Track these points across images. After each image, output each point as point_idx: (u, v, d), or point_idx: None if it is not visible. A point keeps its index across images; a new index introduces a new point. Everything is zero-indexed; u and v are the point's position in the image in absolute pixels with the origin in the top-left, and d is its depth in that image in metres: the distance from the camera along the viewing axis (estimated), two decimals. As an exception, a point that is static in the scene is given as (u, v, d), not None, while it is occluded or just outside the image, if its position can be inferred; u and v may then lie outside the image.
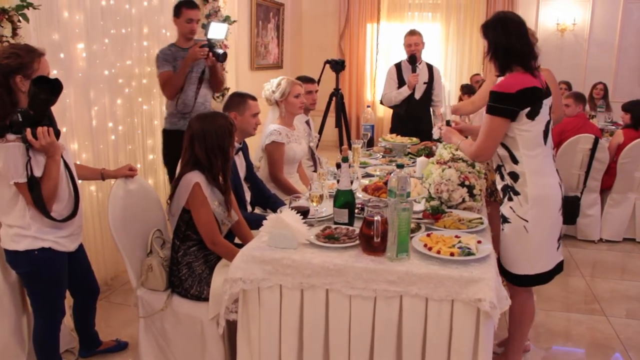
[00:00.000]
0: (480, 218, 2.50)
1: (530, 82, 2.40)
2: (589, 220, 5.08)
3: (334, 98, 5.49)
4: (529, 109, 2.38)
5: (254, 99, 3.18)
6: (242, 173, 3.20)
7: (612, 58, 8.39)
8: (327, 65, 5.37)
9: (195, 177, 2.48)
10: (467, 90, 6.67)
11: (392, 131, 4.91)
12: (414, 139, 4.26)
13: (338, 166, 3.31)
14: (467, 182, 2.68)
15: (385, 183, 2.61)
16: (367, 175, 3.43)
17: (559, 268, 2.67)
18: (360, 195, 2.66)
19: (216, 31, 3.98)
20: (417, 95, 4.90)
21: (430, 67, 4.98)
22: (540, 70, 2.57)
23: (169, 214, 2.60)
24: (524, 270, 2.55)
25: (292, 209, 2.29)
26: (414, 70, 4.80)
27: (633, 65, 8.36)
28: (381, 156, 4.10)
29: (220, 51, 3.83)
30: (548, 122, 2.49)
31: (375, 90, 8.92)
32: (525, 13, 8.37)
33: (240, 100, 3.14)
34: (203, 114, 2.61)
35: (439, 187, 2.67)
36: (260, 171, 3.58)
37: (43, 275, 2.42)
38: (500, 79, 2.49)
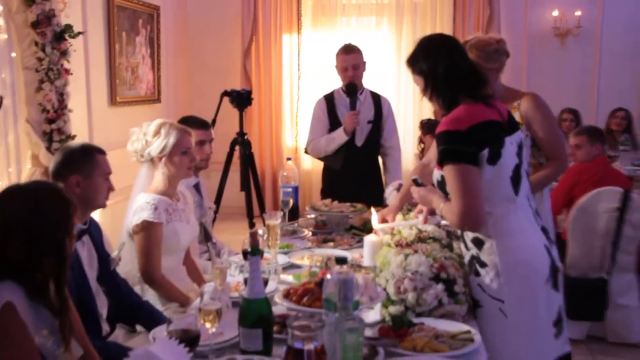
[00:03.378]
0: (469, 331, 2.42)
1: (483, 114, 2.65)
2: (622, 313, 5.00)
3: (236, 147, 5.44)
4: (487, 149, 2.60)
5: (102, 152, 3.14)
6: (91, 270, 3.05)
7: (634, 70, 8.59)
8: (226, 99, 5.30)
9: (5, 293, 2.25)
10: (431, 128, 6.56)
11: (324, 194, 4.87)
12: (358, 206, 4.21)
13: (245, 255, 3.14)
14: (443, 274, 2.62)
15: (319, 284, 2.47)
16: (292, 266, 3.36)
17: None
18: (282, 304, 2.51)
19: None
20: (359, 142, 4.88)
21: (376, 98, 5.01)
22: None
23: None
24: None
25: (171, 337, 2.10)
26: (353, 106, 4.78)
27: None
28: (310, 234, 4.04)
29: None
30: (517, 166, 2.71)
31: (298, 132, 8.99)
32: (511, 11, 8.61)
33: (83, 155, 3.05)
34: (17, 187, 2.47)
35: (401, 284, 2.59)
36: (122, 266, 3.43)
37: None
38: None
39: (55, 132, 5.14)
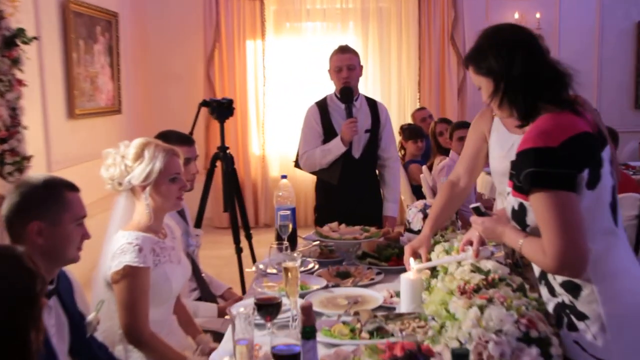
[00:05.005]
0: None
1: (575, 125, 2.08)
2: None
3: (217, 163, 4.87)
4: (587, 171, 2.03)
5: (74, 189, 2.40)
6: (61, 342, 2.36)
7: (592, 71, 8.70)
8: (205, 110, 4.79)
9: None
10: (412, 133, 6.45)
11: (319, 212, 4.35)
12: (372, 230, 3.54)
13: (260, 308, 2.42)
14: (533, 333, 1.98)
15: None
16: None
17: None
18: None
19: None
20: (357, 153, 4.23)
21: (373, 105, 4.38)
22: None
23: None
24: None
25: None
26: (349, 114, 4.12)
27: (620, 81, 8.68)
28: (317, 265, 3.33)
29: None
30: (614, 189, 2.18)
31: (264, 140, 8.69)
32: (474, 14, 8.64)
33: (48, 195, 2.32)
34: None
35: (483, 349, 1.92)
36: (100, 323, 2.65)
37: None
38: (525, 129, 2.21)
39: (8, 154, 4.57)
